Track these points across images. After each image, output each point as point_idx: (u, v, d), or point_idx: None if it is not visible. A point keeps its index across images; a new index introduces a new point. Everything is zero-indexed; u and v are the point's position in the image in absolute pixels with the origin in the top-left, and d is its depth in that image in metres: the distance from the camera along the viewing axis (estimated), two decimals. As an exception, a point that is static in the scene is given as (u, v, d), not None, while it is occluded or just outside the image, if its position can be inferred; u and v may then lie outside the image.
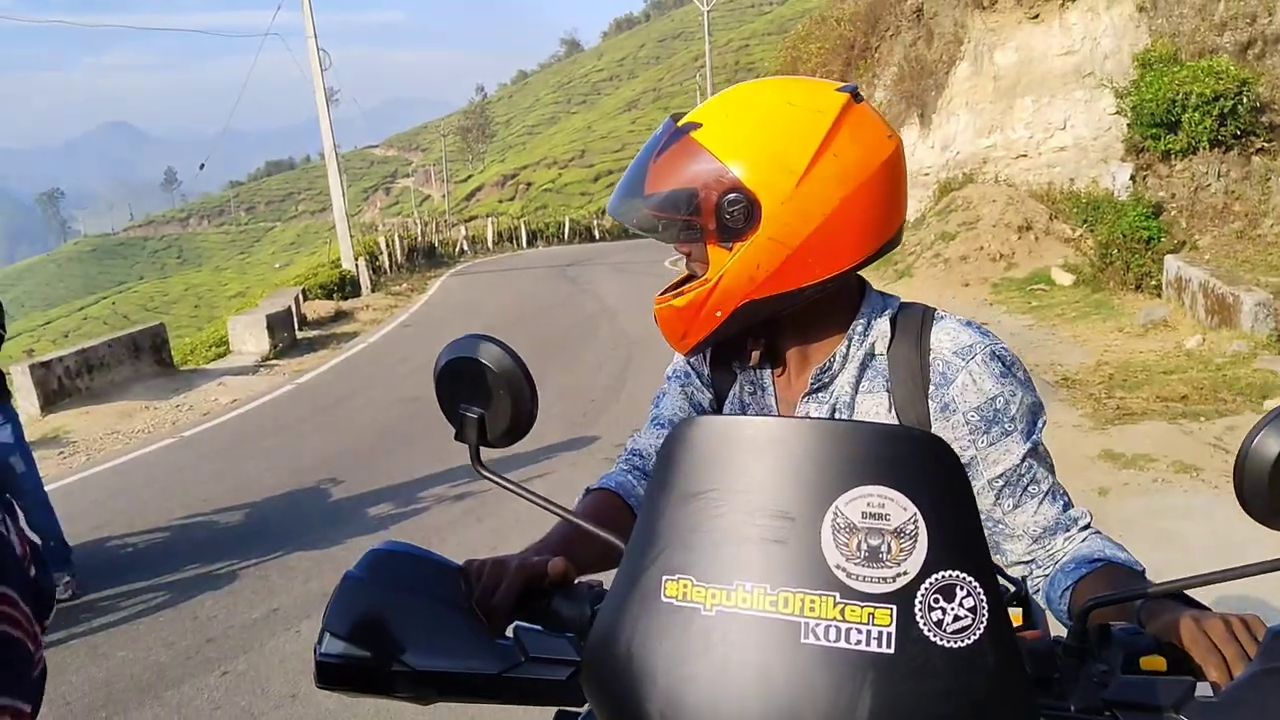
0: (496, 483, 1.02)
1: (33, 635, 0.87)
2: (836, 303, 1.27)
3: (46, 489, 5.05)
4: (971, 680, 0.70)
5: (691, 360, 1.43)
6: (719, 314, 1.22)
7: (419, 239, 30.59)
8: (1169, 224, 12.30)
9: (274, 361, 13.31)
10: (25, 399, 9.76)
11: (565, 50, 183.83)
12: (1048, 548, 1.21)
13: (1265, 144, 12.18)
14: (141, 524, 5.99)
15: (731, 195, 1.15)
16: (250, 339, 13.84)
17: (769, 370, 1.35)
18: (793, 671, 0.71)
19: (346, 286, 20.83)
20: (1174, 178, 12.70)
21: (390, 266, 24.90)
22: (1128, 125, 13.03)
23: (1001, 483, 1.21)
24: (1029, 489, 1.21)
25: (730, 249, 1.18)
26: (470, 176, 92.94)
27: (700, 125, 1.19)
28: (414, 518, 5.75)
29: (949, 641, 0.70)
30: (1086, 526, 1.21)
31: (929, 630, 0.70)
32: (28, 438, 5.08)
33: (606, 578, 1.02)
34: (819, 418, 1.28)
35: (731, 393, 1.39)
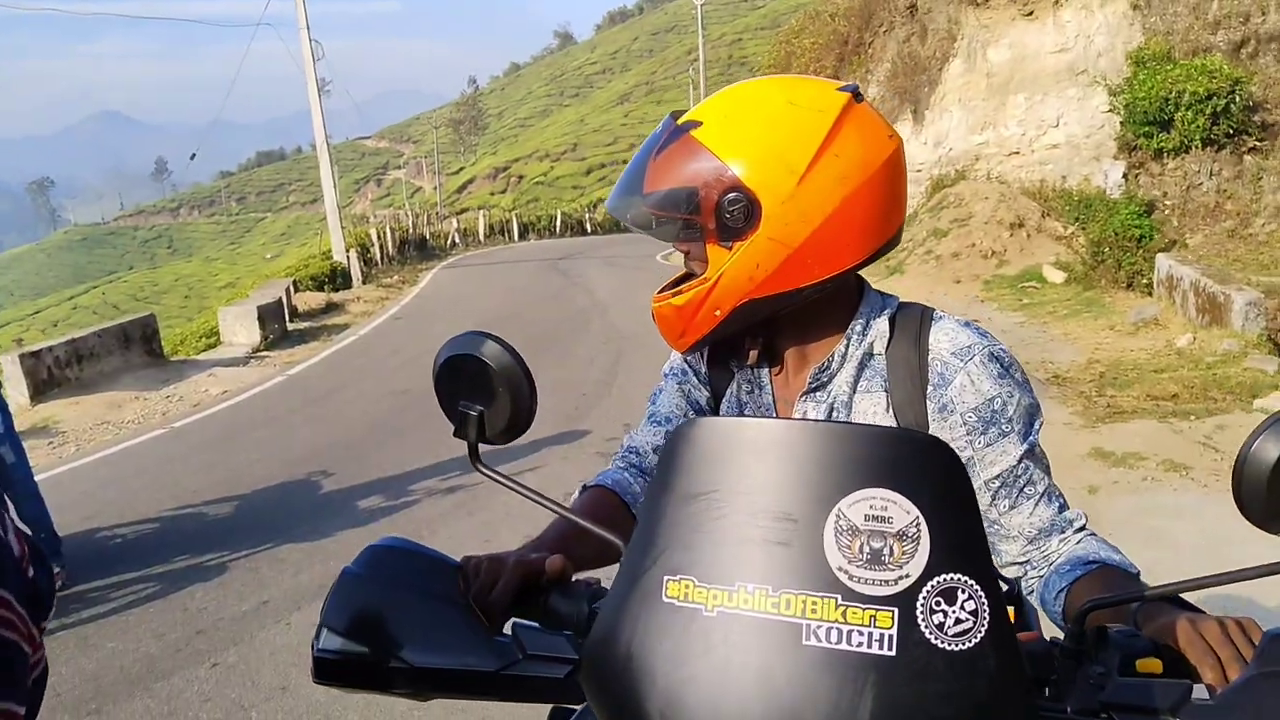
0: (495, 479, 1.02)
1: (29, 637, 0.87)
2: (835, 302, 1.27)
3: (36, 479, 5.02)
4: (973, 683, 0.70)
5: (689, 358, 1.43)
6: (718, 313, 1.21)
7: (410, 231, 30.49)
8: (1161, 222, 12.35)
9: (265, 353, 13.27)
10: (14, 388, 9.72)
11: (558, 43, 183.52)
12: (1043, 549, 1.21)
13: (1257, 143, 12.23)
14: (131, 515, 5.98)
15: (731, 194, 1.15)
16: (241, 330, 13.80)
17: (766, 369, 1.35)
18: (794, 673, 0.71)
19: (338, 278, 20.77)
20: (1166, 176, 12.75)
21: (381, 259, 24.83)
22: (1120, 123, 13.07)
23: (998, 483, 1.21)
24: (1025, 490, 1.21)
25: (730, 248, 1.18)
26: (462, 169, 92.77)
27: (700, 124, 1.19)
28: (405, 510, 5.74)
29: (950, 644, 0.71)
30: (1082, 528, 1.21)
31: (930, 633, 0.71)
32: (17, 428, 5.06)
33: (604, 575, 1.02)
34: (816, 419, 1.28)
35: (729, 391, 1.39)
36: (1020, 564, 1.23)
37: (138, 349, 11.84)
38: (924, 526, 0.72)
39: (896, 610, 0.71)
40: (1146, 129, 12.51)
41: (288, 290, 16.66)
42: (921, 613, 0.71)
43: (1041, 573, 1.21)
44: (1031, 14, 15.06)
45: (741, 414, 1.36)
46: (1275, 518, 0.79)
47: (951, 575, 0.72)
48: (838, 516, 0.73)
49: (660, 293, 1.28)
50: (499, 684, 0.90)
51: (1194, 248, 11.93)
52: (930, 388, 1.24)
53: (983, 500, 1.21)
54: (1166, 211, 12.56)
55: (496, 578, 0.97)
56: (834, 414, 1.28)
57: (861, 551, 0.72)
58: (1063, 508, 1.23)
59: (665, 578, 0.77)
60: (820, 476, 0.75)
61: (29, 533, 1.59)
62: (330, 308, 17.69)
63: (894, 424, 1.25)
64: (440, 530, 5.31)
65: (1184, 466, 5.58)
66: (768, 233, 1.16)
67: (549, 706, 1.18)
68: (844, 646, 0.71)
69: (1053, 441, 6.37)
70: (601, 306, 15.15)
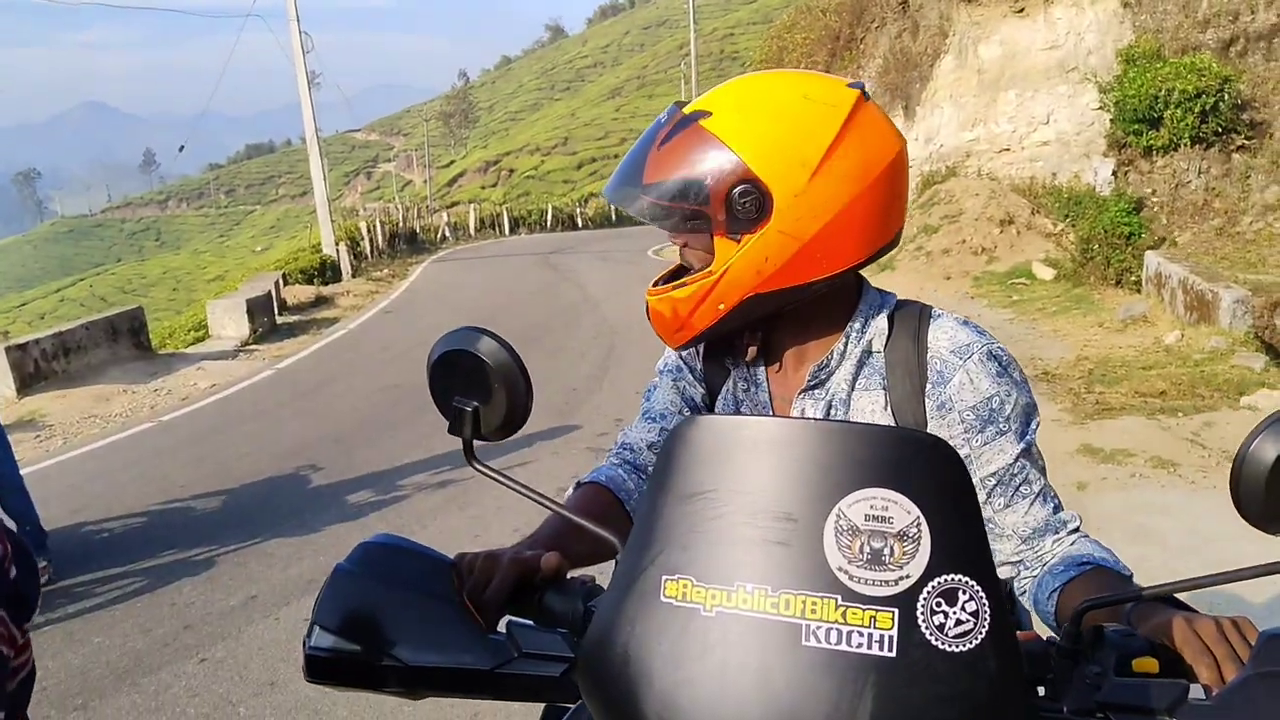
0: (490, 476, 1.01)
1: (9, 639, 0.85)
2: (835, 299, 1.26)
3: (22, 472, 4.99)
4: (973, 684, 0.70)
5: (684, 355, 1.42)
6: (721, 306, 1.20)
7: (400, 225, 30.40)
8: (1150, 220, 12.40)
9: (253, 346, 13.22)
10: (1, 381, 9.67)
11: (549, 36, 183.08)
12: (1036, 549, 1.21)
13: (1245, 141, 12.29)
14: (119, 509, 5.95)
15: (743, 186, 1.13)
16: (229, 323, 13.75)
17: (763, 366, 1.34)
18: (793, 674, 0.70)
19: (327, 271, 20.70)
20: (1155, 174, 12.79)
21: (371, 252, 24.75)
22: (1110, 121, 13.11)
23: (994, 481, 1.21)
24: (1021, 489, 1.21)
25: (738, 240, 1.16)
26: (453, 162, 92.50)
27: (710, 114, 1.17)
28: (395, 505, 5.73)
29: (951, 645, 0.70)
30: (1075, 530, 1.22)
31: (931, 634, 0.70)
32: (3, 420, 5.04)
33: (599, 572, 1.01)
34: (814, 417, 1.28)
35: (724, 388, 1.38)
36: (1013, 563, 1.23)
37: (125, 342, 11.78)
38: (925, 527, 0.72)
39: (897, 611, 0.70)
40: (1136, 126, 12.55)
41: (277, 283, 16.59)
42: (922, 613, 0.70)
43: (1034, 573, 1.21)
44: (1023, 11, 15.08)
45: (738, 411, 1.36)
46: (1272, 518, 0.79)
47: (952, 576, 0.71)
48: (838, 516, 0.73)
49: (656, 285, 1.27)
50: (493, 682, 0.90)
51: (1182, 245, 11.98)
52: (929, 385, 1.23)
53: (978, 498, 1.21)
54: (1155, 209, 12.60)
55: (491, 575, 0.96)
56: (832, 411, 1.27)
57: (862, 552, 0.72)
58: (1057, 509, 1.23)
59: (663, 577, 0.76)
60: (820, 476, 0.74)
61: (14, 529, 1.57)
62: (319, 301, 17.63)
63: (892, 422, 1.25)
64: (431, 525, 5.30)
65: (1172, 463, 5.61)
66: (778, 226, 1.14)
67: (541, 705, 1.18)
68: (844, 647, 0.70)
69: (1042, 438, 6.32)
70: (593, 301, 15.14)
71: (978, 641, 0.70)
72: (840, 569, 0.72)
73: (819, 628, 0.71)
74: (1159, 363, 8.05)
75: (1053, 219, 13.86)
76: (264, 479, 6.47)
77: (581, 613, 0.94)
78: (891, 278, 13.58)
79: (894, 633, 0.70)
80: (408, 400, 8.52)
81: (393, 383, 9.53)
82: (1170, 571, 4.11)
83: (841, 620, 0.71)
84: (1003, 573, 1.25)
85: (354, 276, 21.29)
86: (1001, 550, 1.23)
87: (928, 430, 1.23)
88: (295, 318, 15.91)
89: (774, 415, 1.33)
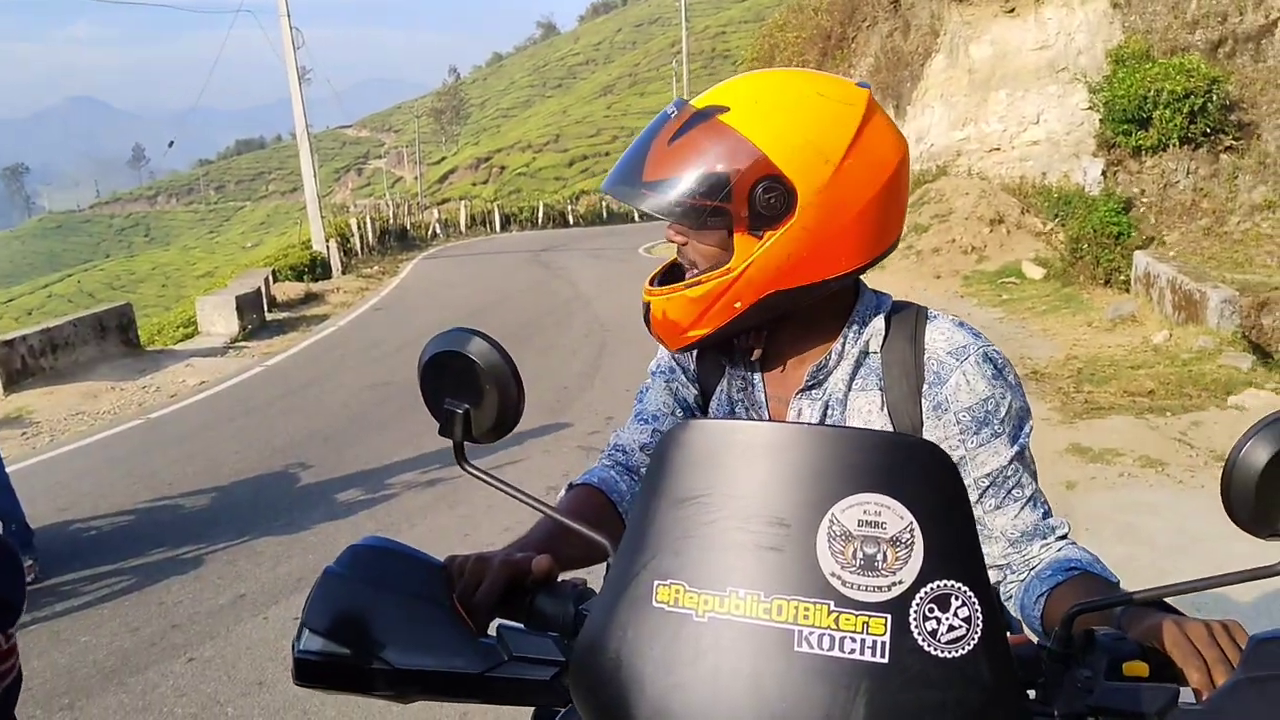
0: (481, 478, 1.01)
1: None
2: (833, 299, 1.26)
3: (8, 470, 4.96)
4: (966, 690, 0.70)
5: (677, 356, 1.41)
6: (738, 305, 1.18)
7: (391, 221, 30.35)
8: (1138, 220, 12.45)
9: (243, 343, 13.17)
10: (-13, 378, 9.61)
11: (541, 33, 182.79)
12: (1024, 553, 1.21)
13: (1233, 142, 12.35)
14: (106, 507, 5.92)
15: (767, 182, 1.12)
16: (219, 320, 13.69)
17: (759, 366, 1.34)
18: (785, 680, 0.70)
19: (317, 268, 20.63)
20: (1144, 174, 12.85)
21: (362, 249, 24.70)
22: (1100, 121, 13.16)
23: (987, 482, 1.21)
24: (1013, 492, 1.22)
25: (760, 237, 1.14)
26: (443, 159, 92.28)
27: (728, 109, 1.15)
28: (384, 503, 5.72)
29: (943, 651, 0.70)
30: (1063, 537, 1.22)
31: (923, 640, 0.70)
32: (-10, 418, 5.00)
33: (590, 575, 1.01)
34: (811, 417, 1.28)
35: (719, 388, 1.38)
36: (999, 567, 1.23)
37: (114, 338, 11.73)
38: (918, 532, 0.72)
39: (890, 617, 0.70)
40: (1125, 127, 12.60)
41: (266, 280, 16.54)
42: (915, 619, 0.70)
43: (1021, 577, 1.21)
44: (1013, 11, 15.13)
45: (733, 411, 1.35)
46: (1262, 522, 0.79)
47: (945, 582, 0.71)
48: (831, 521, 0.73)
49: (656, 285, 1.25)
50: (484, 686, 0.89)
51: (1171, 245, 12.04)
52: (926, 386, 1.23)
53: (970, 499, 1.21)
54: (1144, 209, 12.66)
55: (481, 578, 0.96)
56: (829, 411, 1.27)
57: (855, 557, 0.72)
58: (1047, 514, 1.23)
59: (655, 582, 0.76)
60: (813, 481, 0.74)
61: None
62: (309, 298, 17.58)
63: (888, 422, 1.25)
64: (420, 523, 5.29)
65: (1160, 462, 5.63)
66: (802, 222, 1.14)
67: (531, 708, 1.17)
68: (836, 653, 0.70)
69: (1030, 437, 6.38)
70: (584, 299, 15.12)
71: (970, 647, 0.70)
72: (833, 574, 0.72)
73: (811, 633, 0.71)
74: (1147, 362, 8.08)
75: (1042, 218, 13.91)
76: (253, 477, 6.45)
77: (573, 616, 0.94)
78: (881, 277, 13.59)
79: (887, 638, 0.70)
80: (397, 398, 8.50)
81: (382, 380, 9.51)
82: (1158, 570, 4.13)
83: (834, 626, 0.71)
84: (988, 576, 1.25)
85: (344, 273, 21.23)
86: (989, 553, 1.22)
87: (924, 431, 1.24)
88: (285, 315, 15.86)
89: (770, 416, 1.33)
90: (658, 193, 1.16)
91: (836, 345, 1.27)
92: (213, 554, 5.02)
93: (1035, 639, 1.12)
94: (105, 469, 6.97)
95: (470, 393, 1.00)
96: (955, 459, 1.20)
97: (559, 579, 0.99)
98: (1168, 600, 0.96)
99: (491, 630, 0.94)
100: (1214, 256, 11.63)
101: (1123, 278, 11.46)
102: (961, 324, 1.27)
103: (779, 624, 0.71)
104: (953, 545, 0.73)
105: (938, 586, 0.71)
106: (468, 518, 5.29)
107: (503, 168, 74.11)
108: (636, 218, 41.40)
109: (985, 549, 1.22)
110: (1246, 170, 12.30)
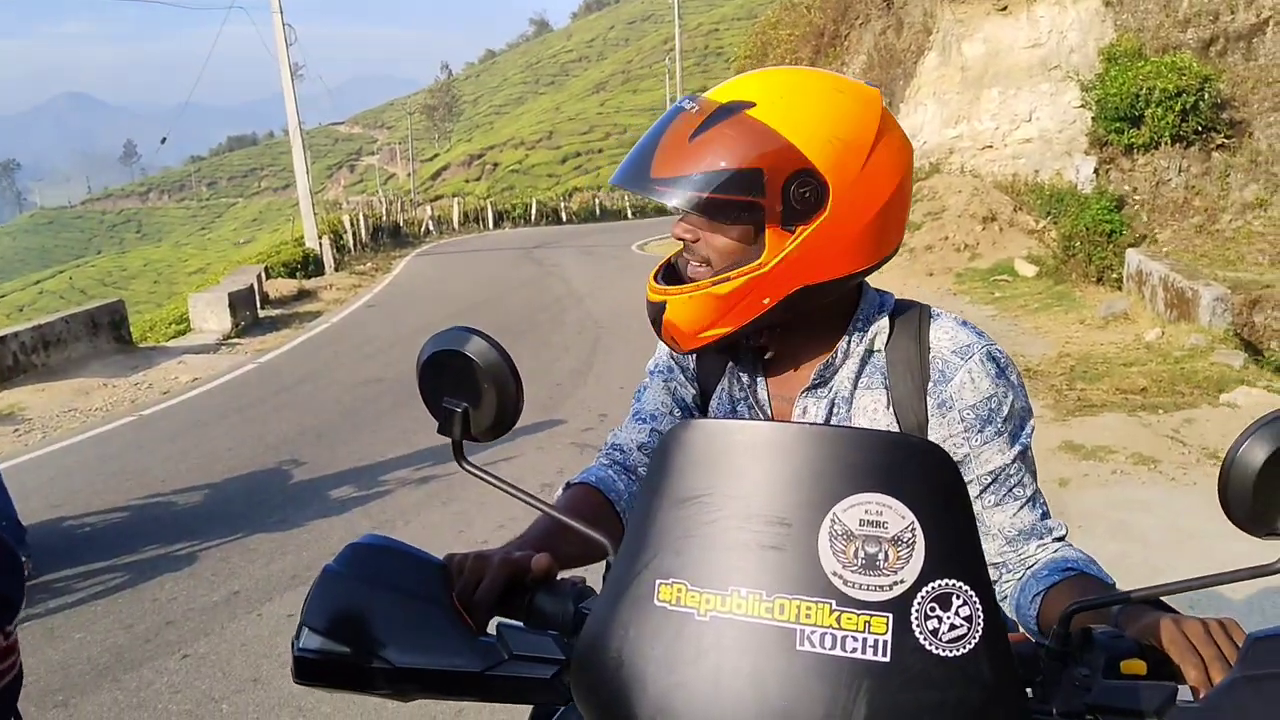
0: (480, 477, 1.01)
1: None
2: (839, 297, 1.26)
3: (0, 467, 4.95)
4: (968, 690, 0.70)
5: (676, 355, 1.41)
6: (766, 301, 1.17)
7: (384, 218, 30.27)
8: (1131, 218, 12.49)
9: (235, 340, 13.13)
10: (-22, 375, 9.57)
11: (534, 30, 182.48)
12: (1020, 552, 1.22)
13: (1225, 140, 12.39)
14: (99, 503, 5.90)
15: (802, 176, 1.12)
16: (211, 317, 13.64)
17: (761, 364, 1.34)
18: (787, 679, 0.70)
19: (310, 265, 20.56)
20: (1136, 172, 12.89)
21: (354, 245, 24.63)
22: (1092, 119, 13.20)
23: (989, 479, 1.22)
24: (1014, 490, 1.23)
25: (792, 232, 1.14)
26: (436, 156, 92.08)
27: (754, 103, 1.14)
28: (378, 500, 5.71)
29: (945, 651, 0.70)
30: (1060, 538, 1.23)
31: (925, 639, 0.70)
32: (-18, 415, 4.98)
33: (589, 574, 1.01)
34: (817, 416, 1.29)
35: (720, 387, 1.37)
36: (995, 565, 1.24)
37: (106, 335, 11.69)
38: (919, 532, 0.72)
39: (891, 616, 0.71)
40: (1117, 125, 12.64)
41: (259, 277, 16.48)
42: (916, 619, 0.71)
43: (1017, 576, 1.22)
44: (1006, 9, 15.16)
45: (734, 411, 1.35)
46: (1260, 520, 0.80)
47: (946, 581, 0.71)
48: (832, 521, 0.73)
49: (674, 285, 1.22)
50: (483, 685, 0.89)
51: (1163, 243, 12.07)
52: (931, 384, 1.24)
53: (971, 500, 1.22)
54: (1136, 207, 12.69)
55: (481, 576, 0.96)
56: (835, 410, 1.28)
57: (856, 556, 0.72)
58: (1045, 515, 1.24)
59: (657, 582, 0.76)
60: (815, 480, 0.74)
61: None
62: (302, 295, 17.53)
63: (894, 419, 1.25)
64: (414, 520, 5.28)
65: (1152, 460, 5.65)
66: (833, 217, 1.14)
67: (529, 706, 1.17)
68: (838, 652, 0.70)
69: (1033, 437, 6.40)
70: (577, 296, 15.12)
71: (971, 646, 0.71)
72: (835, 574, 0.72)
73: (813, 633, 0.71)
74: (1140, 360, 8.11)
75: (1035, 216, 13.94)
76: (246, 474, 6.43)
77: (572, 614, 0.94)
78: (874, 274, 13.61)
79: (888, 638, 0.70)
80: (390, 395, 8.49)
81: (375, 377, 9.49)
82: (1151, 567, 4.15)
83: (836, 625, 0.71)
84: None
85: (337, 270, 21.16)
86: (985, 550, 1.22)
87: (929, 428, 1.24)
88: (277, 311, 15.81)
89: (773, 415, 1.33)
90: (682, 188, 1.13)
91: (841, 344, 1.27)
92: (206, 551, 5.01)
93: (1029, 636, 1.13)
94: (98, 466, 6.95)
95: (469, 391, 1.00)
96: (959, 456, 1.21)
97: (558, 577, 0.99)
98: (1164, 599, 0.96)
99: (491, 629, 0.94)
100: (1206, 254, 11.66)
101: (1115, 275, 11.49)
102: (965, 323, 1.28)
103: (781, 623, 0.72)
104: (954, 545, 0.73)
105: (939, 586, 0.71)
106: (461, 514, 5.29)
107: (495, 165, 73.98)
108: (630, 215, 41.41)
109: (982, 546, 1.22)
110: (1238, 168, 12.34)
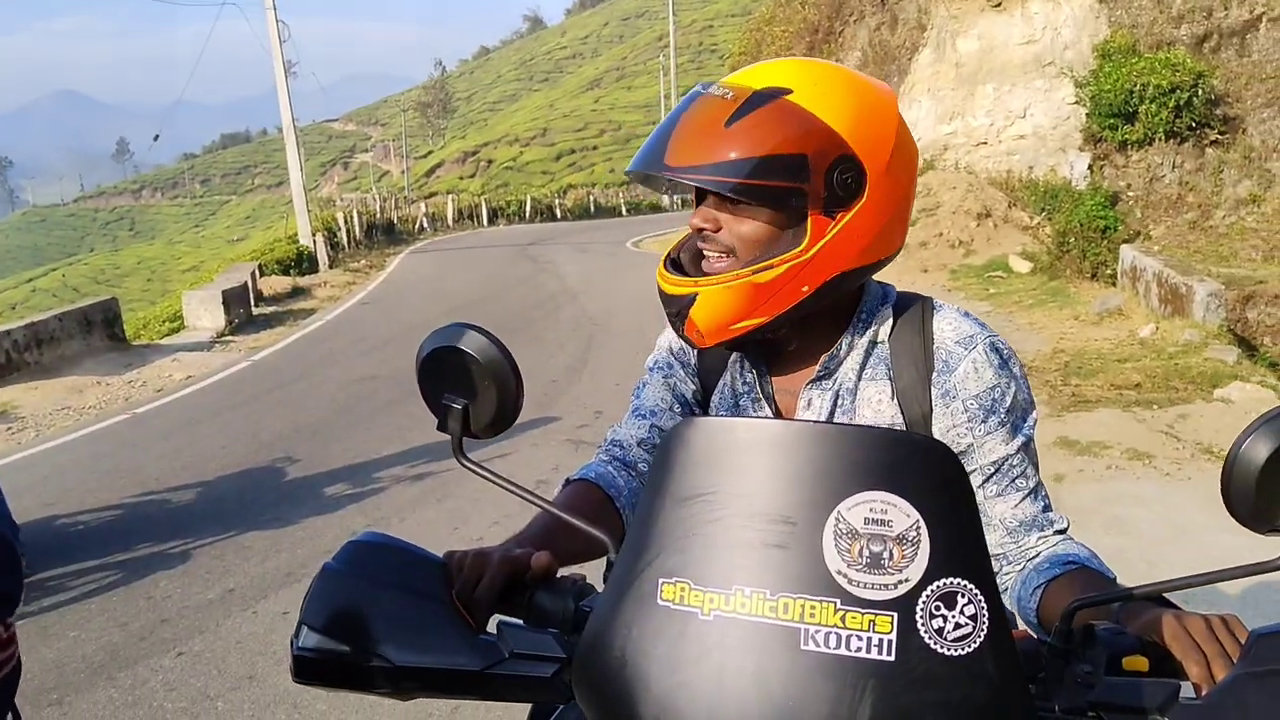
0: (481, 474, 1.00)
1: None
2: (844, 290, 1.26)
3: (-6, 466, 4.94)
4: (973, 689, 0.70)
5: (675, 350, 1.40)
6: (805, 288, 1.17)
7: (378, 215, 30.19)
8: (1125, 214, 12.50)
9: (229, 338, 13.11)
10: (-29, 373, 9.54)
11: (528, 26, 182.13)
12: (1021, 544, 1.22)
13: (1219, 136, 12.41)
14: (93, 501, 5.89)
15: (844, 162, 1.12)
16: (205, 314, 13.61)
17: (763, 358, 1.33)
18: (791, 678, 0.70)
19: (304, 263, 20.52)
20: (1130, 168, 12.91)
21: (349, 243, 24.57)
22: (1086, 115, 13.21)
23: (992, 469, 1.22)
24: (1016, 481, 1.23)
25: (834, 218, 1.14)
26: (430, 153, 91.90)
27: (791, 90, 1.13)
28: (372, 497, 5.70)
29: (950, 650, 0.70)
30: (1062, 531, 1.22)
31: (930, 638, 0.70)
32: (-25, 413, 4.96)
33: (589, 571, 1.00)
34: (822, 407, 1.28)
35: (721, 382, 1.37)
36: (995, 557, 1.23)
37: (99, 333, 11.66)
38: (924, 530, 0.72)
39: (896, 615, 0.70)
40: (1111, 121, 12.65)
41: (253, 274, 16.45)
42: (921, 617, 0.70)
43: (1018, 568, 1.21)
44: (1000, 5, 15.16)
45: (737, 405, 1.35)
46: (1262, 517, 0.80)
47: (951, 579, 0.71)
48: (837, 519, 0.72)
49: (686, 276, 1.21)
50: (484, 683, 0.89)
51: (1157, 239, 12.10)
52: (935, 374, 1.24)
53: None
54: (1130, 203, 12.71)
55: (480, 574, 0.95)
56: (839, 401, 1.28)
57: (861, 555, 0.72)
58: (1047, 508, 1.24)
59: (660, 580, 0.76)
60: (819, 479, 0.74)
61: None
62: (296, 292, 17.50)
63: (898, 410, 1.25)
64: (409, 517, 5.27)
65: (1147, 455, 5.66)
66: (871, 202, 1.15)
67: (526, 705, 1.17)
68: (842, 651, 0.70)
69: (1035, 429, 6.41)
70: (572, 292, 15.11)
71: (976, 645, 0.70)
72: (839, 572, 0.72)
73: (818, 631, 0.71)
74: (1134, 355, 8.12)
75: (1029, 212, 13.96)
76: (240, 471, 6.42)
77: (572, 612, 0.93)
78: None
79: (893, 637, 0.70)
80: (385, 392, 8.47)
81: (370, 374, 9.47)
82: (1147, 563, 4.15)
83: (840, 624, 0.71)
84: None
85: (331, 267, 21.12)
86: (987, 542, 1.22)
87: (933, 418, 1.24)
88: (271, 309, 15.78)
89: (777, 409, 1.33)
90: (718, 173, 1.11)
91: (845, 336, 1.28)
92: (200, 549, 5.00)
93: (1030, 632, 1.13)
94: (91, 464, 6.93)
95: (468, 388, 0.99)
96: (963, 446, 1.22)
97: (558, 575, 0.99)
98: (1166, 595, 0.96)
99: (491, 627, 0.94)
100: (1200, 250, 11.69)
101: (1109, 271, 11.50)
102: (967, 314, 1.29)
103: (785, 622, 0.71)
104: (959, 543, 0.73)
105: (944, 584, 0.71)
106: (456, 511, 5.28)
107: (490, 161, 73.81)
108: (624, 211, 41.38)
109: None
110: (1232, 164, 12.36)
